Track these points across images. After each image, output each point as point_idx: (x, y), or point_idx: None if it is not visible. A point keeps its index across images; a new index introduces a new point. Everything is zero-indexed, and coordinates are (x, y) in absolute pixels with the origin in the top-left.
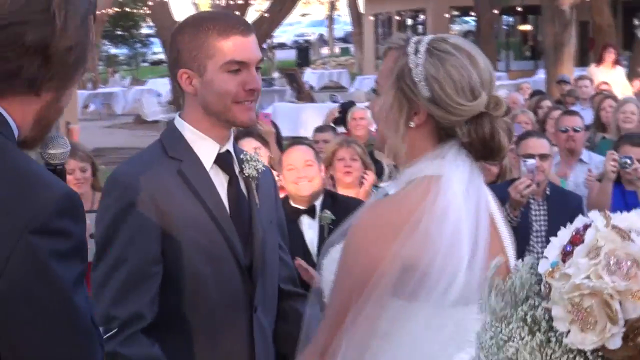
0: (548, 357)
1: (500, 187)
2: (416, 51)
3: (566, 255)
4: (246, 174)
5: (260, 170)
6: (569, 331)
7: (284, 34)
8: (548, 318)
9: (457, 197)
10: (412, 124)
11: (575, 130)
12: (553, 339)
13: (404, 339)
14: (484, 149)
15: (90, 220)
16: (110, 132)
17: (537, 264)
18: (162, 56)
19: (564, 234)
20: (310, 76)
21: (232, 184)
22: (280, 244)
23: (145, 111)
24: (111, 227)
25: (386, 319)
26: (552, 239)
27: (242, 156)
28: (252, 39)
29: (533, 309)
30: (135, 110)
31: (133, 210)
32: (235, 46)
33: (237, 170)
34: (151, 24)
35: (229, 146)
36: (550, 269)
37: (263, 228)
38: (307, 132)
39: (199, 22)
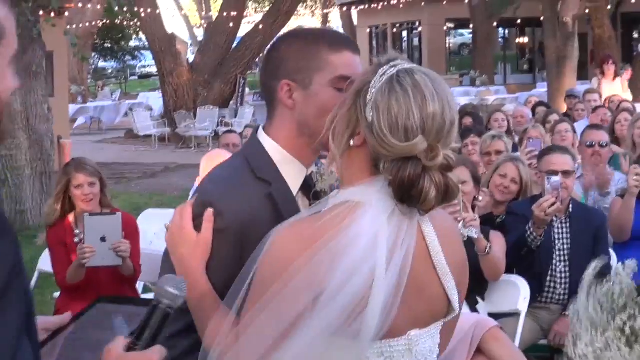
0: None
1: (522, 204)
2: (383, 74)
3: None
4: (319, 189)
5: (333, 187)
6: None
7: None
8: None
9: (372, 223)
10: (352, 142)
11: (601, 146)
12: None
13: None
14: (401, 192)
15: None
16: (101, 147)
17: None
18: (151, 69)
19: None
20: None
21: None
22: None
23: (137, 125)
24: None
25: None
26: None
27: (316, 169)
28: (358, 59)
29: (632, 320)
30: (126, 124)
31: (222, 239)
32: (347, 62)
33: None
34: (140, 36)
35: (313, 168)
36: None
37: None
38: None
39: (307, 33)
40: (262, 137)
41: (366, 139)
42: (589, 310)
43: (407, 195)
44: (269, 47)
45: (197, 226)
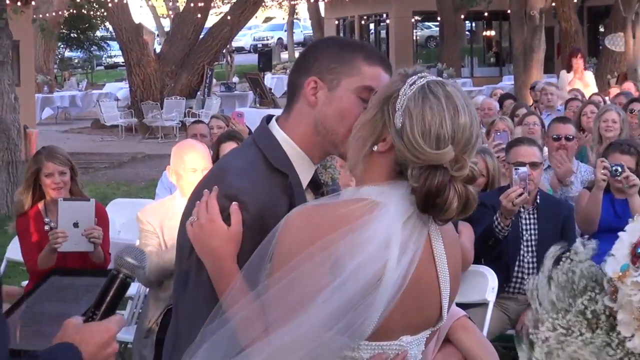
0: (609, 357)
1: (490, 195)
2: (413, 83)
3: (637, 257)
4: (322, 181)
5: (335, 179)
6: (632, 335)
7: (242, 37)
8: (609, 314)
9: (389, 225)
10: (375, 148)
11: (567, 139)
12: (615, 340)
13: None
14: (426, 200)
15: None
16: (67, 136)
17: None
18: (118, 59)
19: (634, 229)
20: (271, 81)
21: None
22: None
23: (103, 115)
24: None
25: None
26: (620, 234)
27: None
28: (388, 78)
29: (593, 303)
30: (92, 114)
31: (244, 229)
32: (377, 75)
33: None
34: (107, 26)
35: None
36: (620, 273)
37: None
38: None
39: (347, 42)
40: (275, 129)
41: (393, 145)
42: (550, 293)
43: (431, 204)
44: (307, 46)
45: (225, 219)
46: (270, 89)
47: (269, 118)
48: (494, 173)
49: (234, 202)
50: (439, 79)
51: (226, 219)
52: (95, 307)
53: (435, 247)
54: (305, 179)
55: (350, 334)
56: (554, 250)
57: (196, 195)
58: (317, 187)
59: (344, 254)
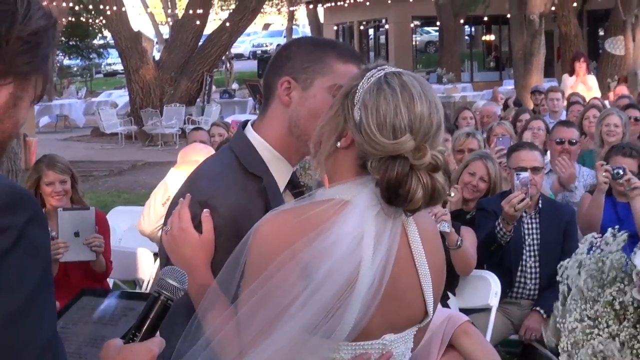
0: (635, 351)
1: (491, 200)
2: (371, 76)
3: None
4: (302, 182)
5: (317, 180)
6: None
7: (241, 44)
8: (637, 306)
9: (359, 223)
10: (338, 144)
11: (571, 143)
12: None
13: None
14: (388, 191)
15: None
16: (67, 144)
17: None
18: (117, 67)
19: None
20: None
21: None
22: None
23: (103, 123)
24: None
25: (269, 315)
26: None
27: (301, 163)
28: None
29: (621, 294)
30: (92, 122)
31: (218, 237)
32: (350, 74)
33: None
34: (106, 34)
35: (296, 166)
36: None
37: None
38: None
39: (319, 41)
40: (250, 133)
41: (354, 139)
42: (579, 279)
43: (395, 195)
44: (280, 46)
45: (197, 226)
46: None
47: (245, 124)
48: (495, 179)
49: (205, 210)
50: (398, 70)
51: (198, 226)
52: (136, 329)
53: (412, 241)
54: (282, 181)
55: (328, 336)
56: (590, 238)
57: (174, 204)
58: (296, 188)
59: (313, 260)
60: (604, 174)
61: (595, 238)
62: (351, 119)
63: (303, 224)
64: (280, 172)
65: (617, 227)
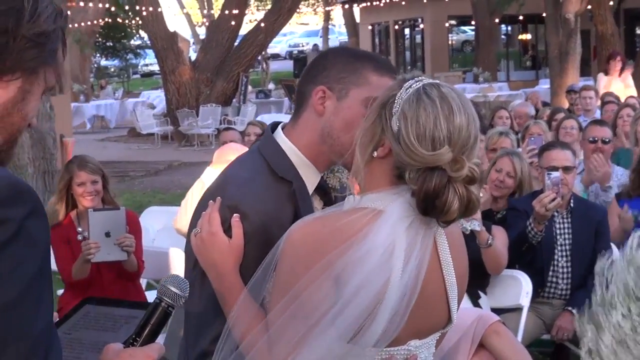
0: None
1: (523, 200)
2: (409, 87)
3: None
4: (330, 185)
5: (344, 183)
6: None
7: (277, 44)
8: None
9: (391, 233)
10: (375, 154)
11: (603, 142)
12: None
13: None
14: (425, 202)
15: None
16: (104, 145)
17: None
18: (154, 67)
19: None
20: None
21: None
22: None
23: (139, 124)
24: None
25: (302, 329)
26: None
27: None
28: None
29: None
30: (129, 123)
31: (246, 240)
32: (384, 86)
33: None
34: (142, 35)
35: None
36: None
37: None
38: None
39: (357, 52)
40: (280, 138)
41: (391, 149)
42: (628, 276)
43: (432, 206)
44: (317, 54)
45: (226, 231)
46: None
47: (274, 126)
48: (522, 175)
49: (234, 215)
50: (436, 81)
51: (227, 230)
52: (137, 335)
53: (441, 252)
54: (310, 186)
55: (355, 342)
56: (638, 235)
57: (202, 206)
58: (325, 192)
59: (345, 271)
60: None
61: None
62: (389, 129)
63: (335, 234)
64: (309, 178)
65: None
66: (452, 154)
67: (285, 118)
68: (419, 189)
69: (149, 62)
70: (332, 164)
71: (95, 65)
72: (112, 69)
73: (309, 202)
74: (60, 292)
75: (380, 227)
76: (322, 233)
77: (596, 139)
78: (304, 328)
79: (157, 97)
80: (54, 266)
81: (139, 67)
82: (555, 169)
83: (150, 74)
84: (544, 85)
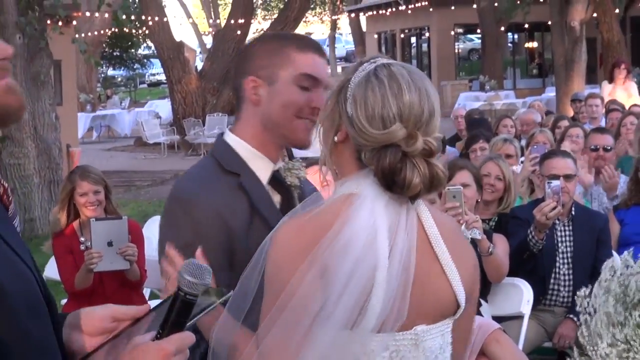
0: None
1: (524, 208)
2: (363, 70)
3: None
4: (288, 182)
5: (302, 178)
6: None
7: None
8: None
9: (372, 215)
10: (335, 139)
11: (605, 150)
12: None
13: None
14: (385, 179)
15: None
16: (111, 155)
17: None
18: (161, 77)
19: None
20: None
21: (285, 200)
22: None
23: (146, 133)
24: (184, 249)
25: (294, 340)
26: None
27: (284, 164)
28: (325, 62)
29: None
30: (136, 132)
31: (201, 230)
32: (312, 62)
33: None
34: (149, 44)
35: (280, 164)
36: None
37: None
38: (316, 152)
39: (277, 35)
40: (228, 136)
41: (348, 133)
42: (607, 305)
43: (392, 183)
44: (242, 49)
45: (172, 222)
46: None
47: (223, 133)
48: (509, 177)
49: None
50: (389, 61)
51: (180, 216)
52: (161, 328)
53: (428, 228)
54: (264, 176)
55: (355, 328)
56: (610, 262)
57: (169, 218)
58: (280, 184)
59: (332, 262)
60: None
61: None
62: (344, 114)
63: (316, 226)
64: (260, 168)
65: (632, 249)
66: (405, 130)
67: None
68: (376, 168)
69: (156, 71)
70: (281, 147)
71: (102, 75)
72: (119, 79)
73: (262, 192)
74: (63, 301)
75: (358, 210)
76: (307, 228)
77: (598, 146)
78: (299, 335)
79: (164, 106)
80: (57, 275)
81: (146, 76)
82: (556, 177)
83: (157, 84)
84: (550, 93)
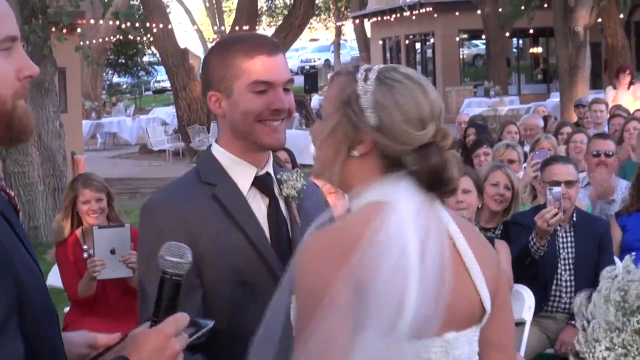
0: None
1: (526, 214)
2: (365, 78)
3: None
4: (285, 194)
5: (298, 190)
6: None
7: (289, 59)
8: None
9: (403, 222)
10: (355, 153)
11: (607, 155)
12: None
13: None
14: (433, 179)
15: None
16: (115, 162)
17: None
18: (166, 84)
19: None
20: (319, 102)
21: (272, 205)
22: None
23: (150, 140)
24: (149, 258)
25: (338, 347)
26: None
27: (278, 176)
28: (278, 59)
29: None
30: (141, 139)
31: (164, 236)
32: (260, 66)
33: (277, 192)
34: (154, 51)
35: (269, 168)
36: None
37: None
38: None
39: (226, 44)
40: (214, 147)
41: (376, 143)
42: (607, 313)
43: (438, 181)
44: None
45: (141, 232)
46: (319, 112)
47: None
48: (517, 186)
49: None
50: (388, 65)
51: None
52: (154, 315)
53: (453, 233)
54: (245, 183)
55: (389, 335)
56: (610, 270)
57: (139, 227)
58: (267, 187)
59: (367, 274)
60: None
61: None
62: (364, 125)
63: (346, 236)
64: (241, 175)
65: (634, 254)
66: (435, 127)
67: (294, 133)
68: (421, 169)
69: (161, 78)
70: (257, 152)
71: (107, 82)
72: (124, 86)
73: (239, 200)
74: (66, 309)
75: (390, 219)
76: (336, 240)
77: (599, 152)
78: (338, 346)
79: (170, 113)
80: (59, 283)
81: (151, 83)
82: (558, 183)
83: (162, 91)
84: (555, 98)
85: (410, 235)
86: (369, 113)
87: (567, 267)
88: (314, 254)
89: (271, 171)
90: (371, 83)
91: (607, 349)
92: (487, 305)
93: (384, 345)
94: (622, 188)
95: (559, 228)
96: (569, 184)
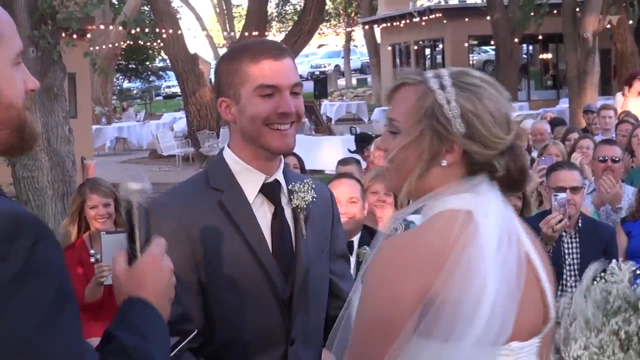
0: None
1: (531, 220)
2: (442, 87)
3: None
4: (294, 205)
5: (308, 202)
6: None
7: (299, 65)
8: None
9: (490, 232)
10: (444, 163)
11: (613, 161)
12: None
13: None
14: (521, 179)
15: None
16: (125, 167)
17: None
18: (176, 89)
19: None
20: (328, 108)
21: (277, 215)
22: (335, 271)
23: (160, 146)
24: None
25: None
26: None
27: (290, 186)
28: (285, 63)
29: (627, 324)
30: (151, 144)
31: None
32: (266, 70)
33: (284, 200)
34: (165, 57)
35: (278, 175)
36: None
37: (309, 259)
38: (325, 164)
39: (234, 51)
40: (225, 151)
41: (466, 151)
42: (586, 309)
43: (520, 181)
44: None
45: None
46: (329, 118)
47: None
48: (527, 195)
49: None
50: (454, 70)
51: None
52: (131, 248)
53: (524, 241)
54: (253, 189)
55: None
56: (594, 268)
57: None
58: (273, 195)
59: (442, 302)
60: None
61: (602, 268)
62: (454, 134)
63: (421, 245)
64: (249, 182)
65: (621, 259)
66: (516, 127)
67: (304, 139)
68: (514, 171)
69: (171, 83)
70: (265, 158)
71: (118, 88)
72: (135, 91)
73: (245, 207)
74: None
75: (478, 230)
76: (409, 248)
77: (606, 158)
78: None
79: (179, 118)
80: None
81: (162, 88)
82: (563, 189)
83: (173, 96)
84: (565, 104)
85: (492, 246)
86: (457, 121)
87: (572, 273)
88: (386, 259)
89: (281, 178)
90: (451, 91)
91: (582, 347)
92: (552, 313)
93: (468, 352)
94: (629, 195)
95: (564, 234)
96: (574, 190)
